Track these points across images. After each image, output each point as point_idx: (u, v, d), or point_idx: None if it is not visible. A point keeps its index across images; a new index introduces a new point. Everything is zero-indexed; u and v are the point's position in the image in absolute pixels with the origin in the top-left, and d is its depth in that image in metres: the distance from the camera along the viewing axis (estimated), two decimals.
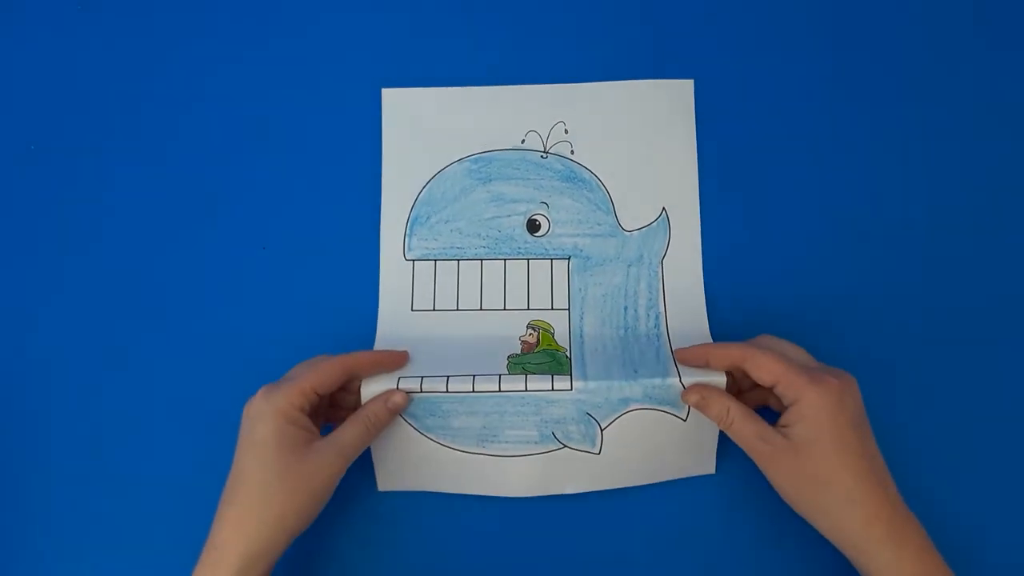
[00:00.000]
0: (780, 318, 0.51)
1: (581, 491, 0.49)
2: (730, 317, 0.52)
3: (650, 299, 0.52)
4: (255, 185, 0.55)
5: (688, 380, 0.46)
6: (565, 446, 0.48)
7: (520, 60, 0.55)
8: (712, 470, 0.49)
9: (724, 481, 0.50)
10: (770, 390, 0.44)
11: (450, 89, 0.55)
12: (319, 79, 0.56)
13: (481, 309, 0.52)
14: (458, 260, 0.53)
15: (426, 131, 0.55)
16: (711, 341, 0.50)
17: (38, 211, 0.55)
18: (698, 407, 0.45)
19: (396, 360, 0.48)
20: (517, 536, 0.50)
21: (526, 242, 0.53)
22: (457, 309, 0.52)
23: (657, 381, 0.47)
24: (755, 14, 0.56)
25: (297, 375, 0.44)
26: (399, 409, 0.46)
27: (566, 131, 0.54)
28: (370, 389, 0.46)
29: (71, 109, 0.57)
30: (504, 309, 0.52)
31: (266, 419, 0.42)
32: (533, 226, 0.54)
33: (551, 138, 0.54)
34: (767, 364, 0.43)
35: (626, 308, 0.52)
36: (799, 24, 0.56)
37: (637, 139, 0.54)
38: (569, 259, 0.52)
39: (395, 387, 0.46)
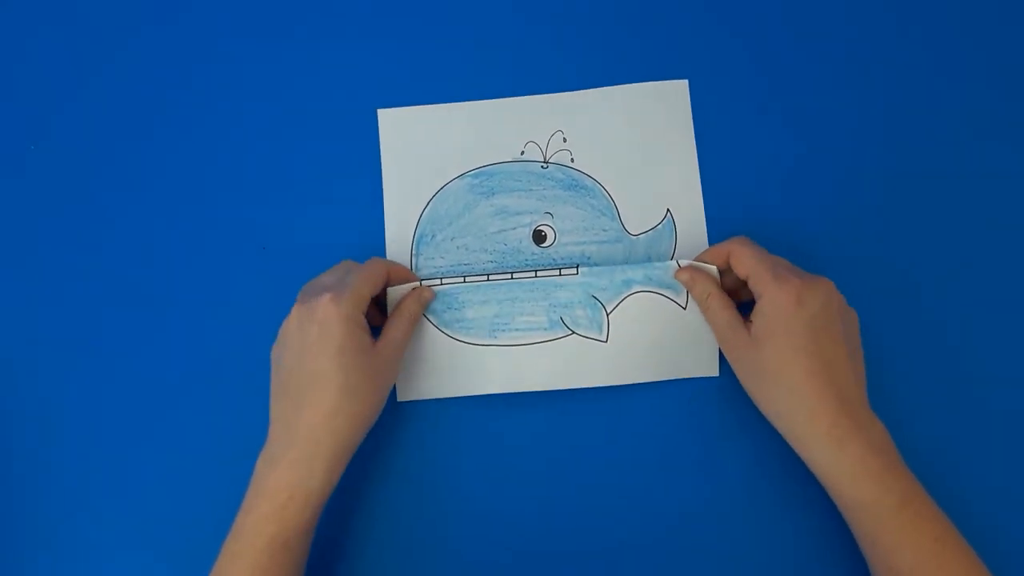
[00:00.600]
0: None
1: (591, 385, 0.51)
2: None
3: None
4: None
5: (684, 263, 0.50)
6: (573, 332, 0.51)
7: (514, 72, 0.55)
8: (715, 372, 0.51)
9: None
10: (741, 286, 0.48)
11: (446, 106, 0.55)
12: (315, 102, 0.56)
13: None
14: (464, 277, 0.53)
15: (425, 149, 0.54)
16: (705, 274, 0.50)
17: (38, 211, 0.55)
18: (686, 285, 0.49)
19: (412, 276, 0.52)
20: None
21: (533, 253, 0.53)
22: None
23: (657, 264, 0.51)
24: (745, 10, 0.56)
25: (352, 281, 0.46)
26: (428, 303, 0.51)
27: (565, 140, 0.54)
28: (396, 292, 0.50)
29: (71, 109, 0.57)
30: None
31: (340, 324, 0.44)
32: (539, 237, 0.53)
33: (550, 147, 0.54)
34: (745, 258, 0.46)
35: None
36: (789, 17, 0.56)
37: (636, 142, 0.54)
38: (578, 268, 0.52)
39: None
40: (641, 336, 0.51)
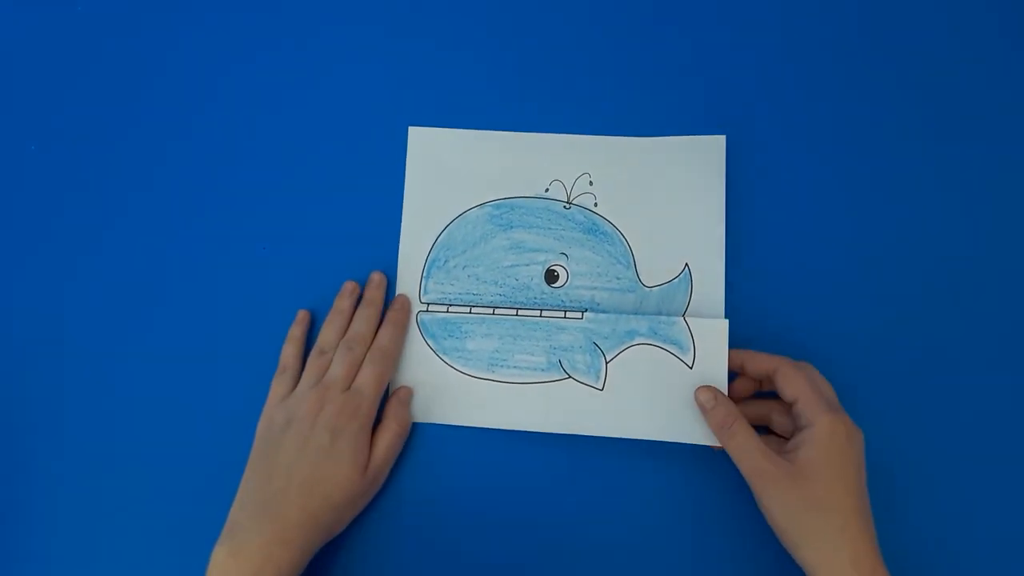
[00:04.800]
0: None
1: (585, 433, 0.49)
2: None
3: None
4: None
5: (692, 319, 0.49)
6: (570, 376, 0.50)
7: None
8: (718, 443, 0.47)
9: (729, 465, 0.46)
10: (771, 410, 0.47)
11: (477, 132, 0.55)
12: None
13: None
14: (470, 307, 0.52)
15: (450, 172, 0.54)
16: (727, 397, 0.48)
17: (39, 211, 0.56)
18: (706, 405, 0.46)
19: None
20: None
21: (543, 292, 0.52)
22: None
23: (663, 317, 0.49)
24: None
25: (369, 391, 0.49)
26: (408, 397, 0.51)
27: (591, 183, 0.53)
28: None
29: (71, 109, 0.57)
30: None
31: (351, 441, 0.47)
32: (551, 277, 0.52)
33: (575, 189, 0.53)
34: (797, 380, 0.44)
35: None
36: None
37: (663, 195, 0.53)
38: (583, 313, 0.51)
39: (414, 316, 0.52)
40: (640, 389, 0.49)
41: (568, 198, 0.53)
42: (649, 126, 0.54)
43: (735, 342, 0.49)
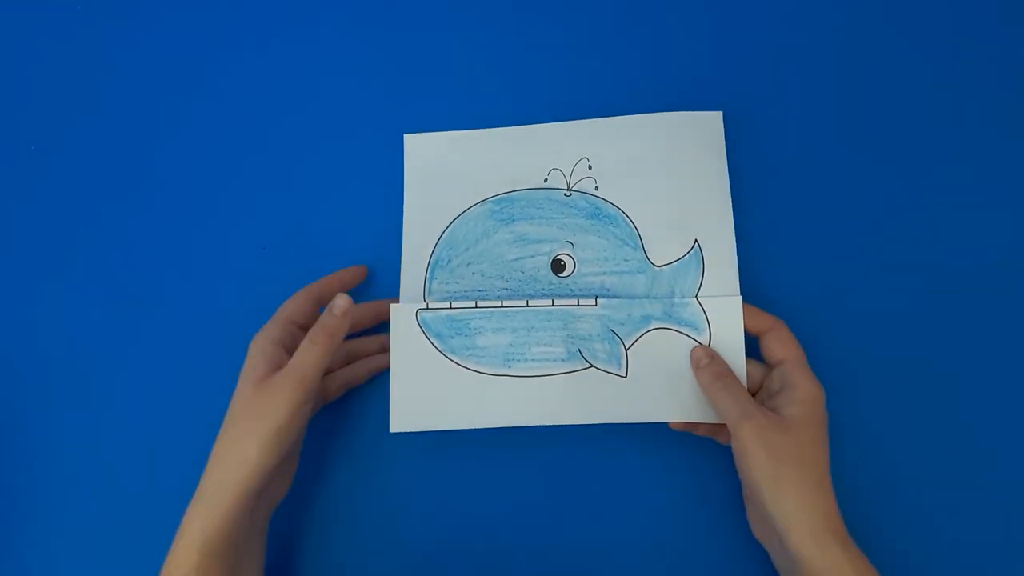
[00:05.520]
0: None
1: (609, 421, 0.47)
2: None
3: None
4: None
5: (705, 299, 0.48)
6: (592, 365, 0.48)
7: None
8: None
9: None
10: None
11: (472, 132, 0.54)
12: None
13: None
14: (475, 302, 0.50)
15: (448, 175, 0.54)
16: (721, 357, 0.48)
17: (39, 211, 0.56)
18: (698, 364, 0.47)
19: (356, 274, 0.52)
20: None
21: (551, 283, 0.51)
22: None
23: (677, 300, 0.49)
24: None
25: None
26: (345, 312, 0.46)
27: (590, 167, 0.52)
28: (400, 311, 0.49)
29: (71, 109, 0.57)
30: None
31: (248, 355, 0.45)
32: (558, 266, 0.51)
33: (575, 175, 0.52)
34: (790, 343, 0.46)
35: None
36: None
37: (665, 171, 0.51)
38: (596, 300, 0.49)
39: (414, 314, 0.49)
40: (660, 373, 0.48)
41: (568, 185, 0.52)
42: (643, 106, 0.53)
43: None
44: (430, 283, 0.52)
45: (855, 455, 0.48)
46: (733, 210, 0.50)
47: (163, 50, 0.58)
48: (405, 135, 0.55)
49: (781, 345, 0.46)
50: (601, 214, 0.52)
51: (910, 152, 0.52)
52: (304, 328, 0.47)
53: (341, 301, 0.46)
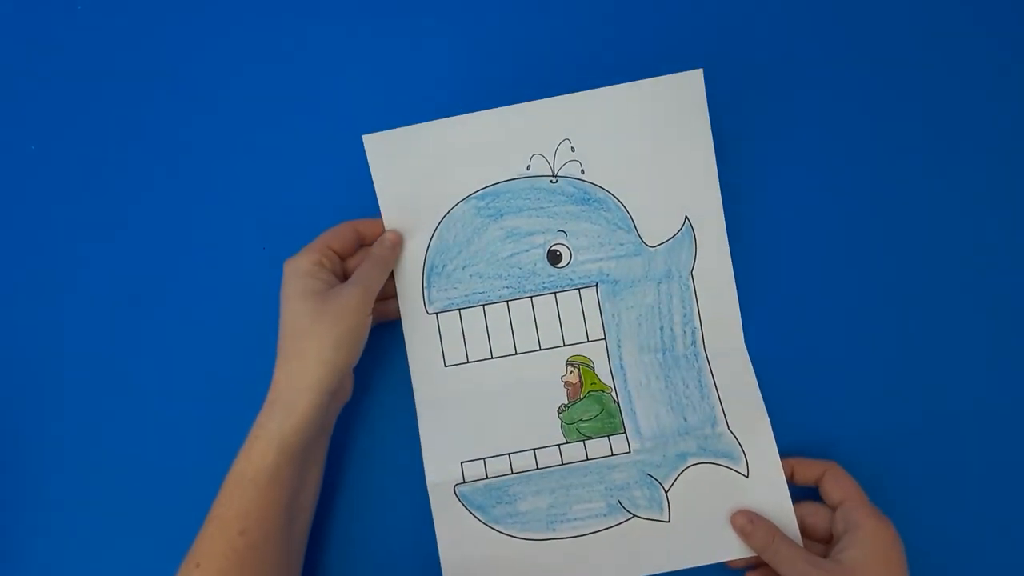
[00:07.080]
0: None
1: (656, 571, 0.47)
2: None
3: (685, 315, 0.51)
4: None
5: (737, 430, 0.48)
6: (634, 515, 0.48)
7: (510, 77, 0.50)
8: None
9: None
10: (805, 513, 0.47)
11: (439, 121, 0.49)
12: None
13: (516, 353, 0.51)
14: (483, 305, 0.51)
15: (422, 173, 0.50)
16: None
17: (39, 212, 0.55)
18: (743, 531, 0.47)
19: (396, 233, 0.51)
20: None
21: (550, 275, 0.51)
22: (492, 357, 0.51)
23: (708, 430, 0.49)
24: None
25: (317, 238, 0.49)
26: (395, 245, 0.50)
27: (573, 149, 0.50)
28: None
29: (71, 109, 0.56)
30: (540, 350, 0.51)
31: (289, 279, 0.47)
32: (554, 257, 0.51)
33: (558, 159, 0.50)
34: (846, 482, 0.46)
35: (662, 328, 0.51)
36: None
37: (649, 145, 0.50)
38: (596, 285, 0.51)
39: (457, 465, 0.49)
40: (705, 511, 0.48)
41: (553, 171, 0.50)
42: (620, 74, 0.49)
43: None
44: (428, 291, 0.51)
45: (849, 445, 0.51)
46: (719, 178, 0.50)
47: (163, 50, 0.57)
48: (363, 136, 0.49)
49: (838, 486, 0.46)
50: (591, 199, 0.51)
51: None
52: (342, 257, 0.49)
53: (392, 235, 0.50)
